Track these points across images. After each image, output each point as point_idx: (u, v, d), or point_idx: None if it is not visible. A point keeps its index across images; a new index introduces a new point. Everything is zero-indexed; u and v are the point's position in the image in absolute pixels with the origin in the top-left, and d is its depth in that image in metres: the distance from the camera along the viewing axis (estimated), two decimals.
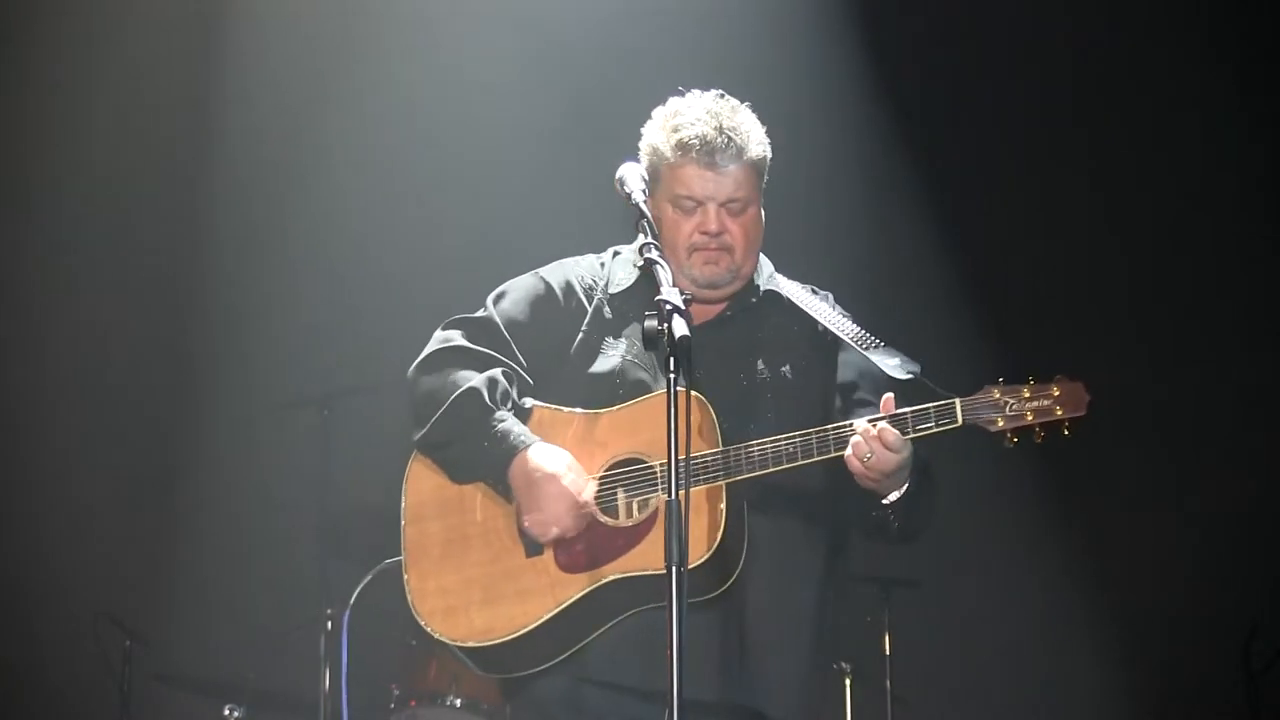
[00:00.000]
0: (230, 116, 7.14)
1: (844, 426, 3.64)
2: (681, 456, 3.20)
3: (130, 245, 7.24)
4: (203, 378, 7.30)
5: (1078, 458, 7.14)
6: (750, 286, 3.94)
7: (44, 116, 7.08)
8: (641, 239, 3.61)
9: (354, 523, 6.33)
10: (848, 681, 6.53)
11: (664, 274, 3.45)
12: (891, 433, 3.57)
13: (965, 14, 6.98)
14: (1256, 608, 6.74)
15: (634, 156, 3.85)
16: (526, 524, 3.72)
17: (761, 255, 3.97)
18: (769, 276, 3.99)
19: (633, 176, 3.71)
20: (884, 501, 3.71)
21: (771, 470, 3.65)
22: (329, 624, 6.23)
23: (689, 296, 3.62)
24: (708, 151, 3.78)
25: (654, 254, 3.52)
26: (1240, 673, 6.66)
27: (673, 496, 3.17)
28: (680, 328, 3.27)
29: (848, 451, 3.60)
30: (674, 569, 3.15)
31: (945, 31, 7.04)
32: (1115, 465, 7.15)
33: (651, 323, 3.30)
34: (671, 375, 3.23)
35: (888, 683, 6.67)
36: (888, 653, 6.72)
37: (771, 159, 3.91)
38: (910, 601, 6.85)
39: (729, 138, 3.79)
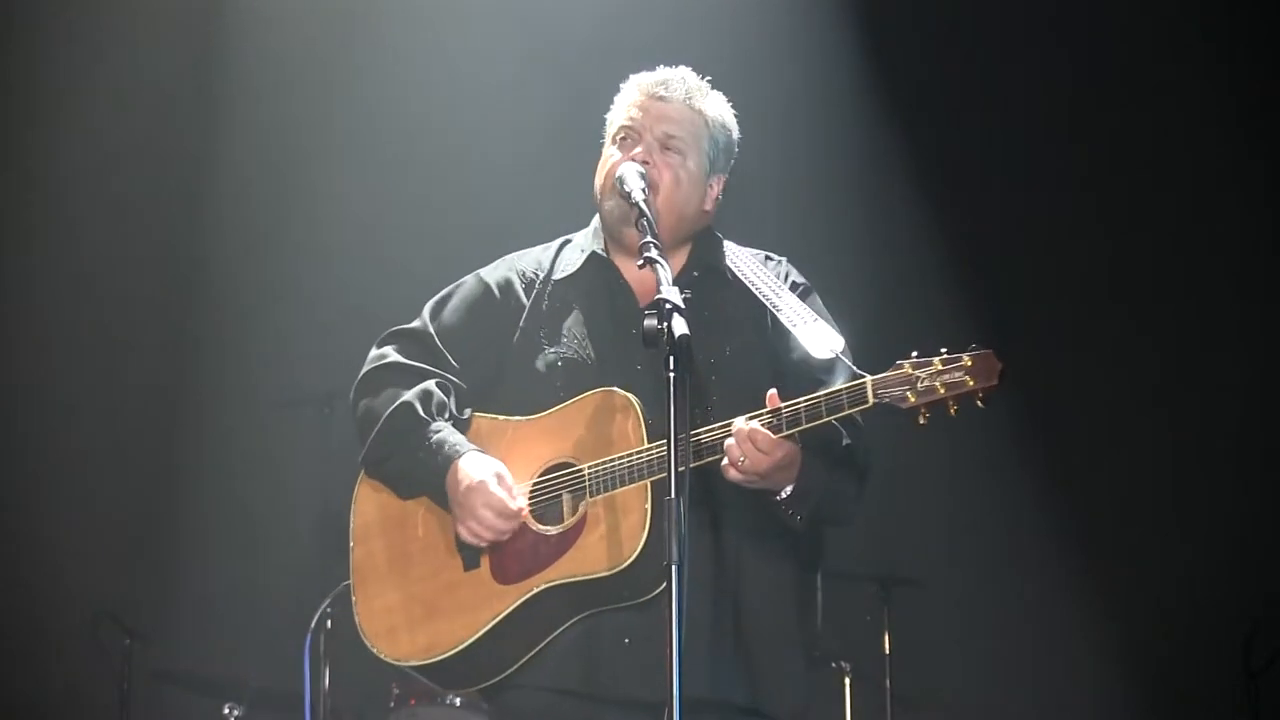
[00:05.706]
0: (233, 113, 7.14)
1: (726, 425, 3.53)
2: (678, 455, 3.20)
3: (132, 243, 7.23)
4: (205, 375, 7.30)
5: (1077, 458, 7.17)
6: (693, 260, 3.83)
7: (45, 113, 7.07)
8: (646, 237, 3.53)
9: None
10: (847, 680, 6.53)
11: (664, 273, 3.42)
12: (761, 433, 3.47)
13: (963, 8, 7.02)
14: (1256, 608, 6.73)
15: None
16: (460, 533, 3.66)
17: (702, 235, 3.85)
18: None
19: (632, 176, 3.67)
20: (777, 498, 3.61)
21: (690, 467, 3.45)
22: (329, 622, 6.23)
23: (689, 295, 3.59)
24: (658, 83, 3.80)
25: (654, 253, 3.48)
26: (1240, 673, 6.65)
27: (672, 494, 3.17)
28: (680, 326, 3.25)
29: (724, 460, 3.51)
30: (674, 568, 3.14)
31: (941, 23, 7.06)
32: (1115, 465, 7.16)
33: (651, 321, 3.29)
34: (671, 374, 3.22)
35: (887, 682, 6.67)
36: (888, 652, 6.72)
37: (738, 151, 3.85)
38: (910, 601, 6.85)
39: (682, 78, 3.81)
